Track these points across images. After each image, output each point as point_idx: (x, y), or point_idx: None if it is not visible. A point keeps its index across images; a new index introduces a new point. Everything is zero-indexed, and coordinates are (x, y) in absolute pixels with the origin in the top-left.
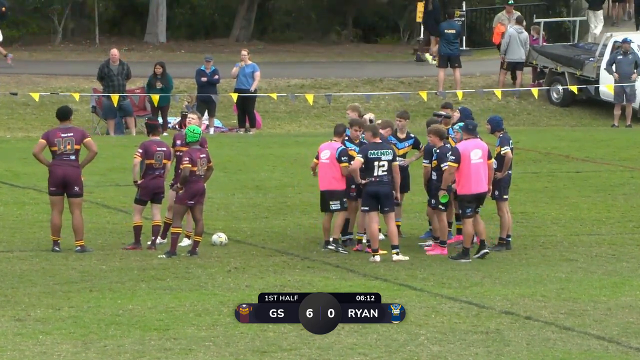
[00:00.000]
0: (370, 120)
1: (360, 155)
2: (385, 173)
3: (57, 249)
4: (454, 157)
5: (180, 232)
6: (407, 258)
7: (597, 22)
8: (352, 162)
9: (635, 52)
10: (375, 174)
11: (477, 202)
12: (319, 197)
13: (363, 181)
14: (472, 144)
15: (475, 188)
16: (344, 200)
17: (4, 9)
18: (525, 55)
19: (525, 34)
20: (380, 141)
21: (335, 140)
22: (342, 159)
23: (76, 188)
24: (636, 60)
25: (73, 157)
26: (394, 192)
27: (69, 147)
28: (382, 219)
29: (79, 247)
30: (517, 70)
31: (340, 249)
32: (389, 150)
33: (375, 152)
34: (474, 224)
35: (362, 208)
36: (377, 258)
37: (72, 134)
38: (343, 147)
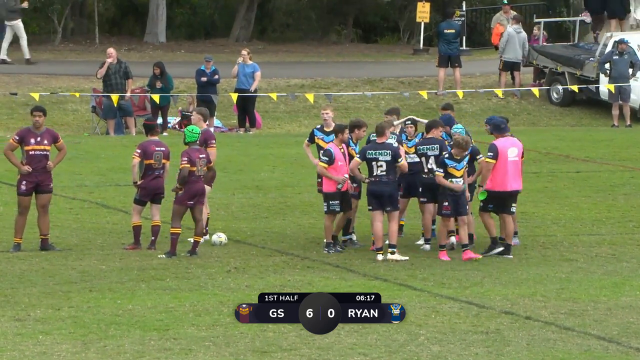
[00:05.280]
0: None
1: (359, 156)
2: (384, 173)
3: (47, 247)
4: (492, 154)
5: (179, 233)
6: (406, 258)
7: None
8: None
9: (634, 52)
10: (375, 173)
11: (511, 199)
12: (318, 198)
13: (366, 179)
14: (508, 142)
15: (511, 185)
16: (332, 202)
17: (25, 2)
18: (522, 56)
19: (524, 33)
20: (382, 141)
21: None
22: (322, 158)
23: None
24: (631, 60)
25: None
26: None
27: None
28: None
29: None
30: (514, 70)
31: (336, 248)
32: (387, 151)
33: (373, 152)
34: (505, 224)
35: (368, 208)
36: (379, 257)
37: None
38: (330, 147)
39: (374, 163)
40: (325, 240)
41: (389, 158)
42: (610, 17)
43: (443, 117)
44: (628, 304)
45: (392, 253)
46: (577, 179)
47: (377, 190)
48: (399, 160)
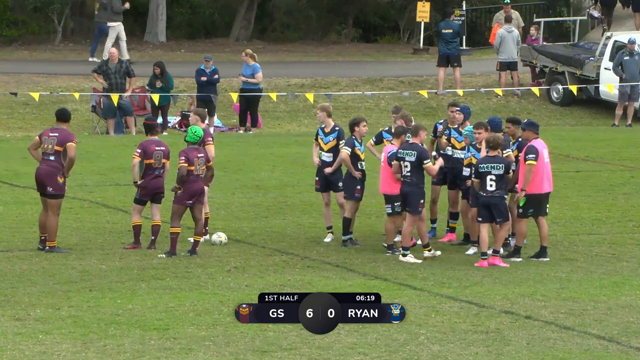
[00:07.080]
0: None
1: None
2: (409, 174)
3: (39, 246)
4: (533, 156)
5: (179, 232)
6: (418, 261)
7: None
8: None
9: (638, 51)
10: (403, 173)
11: (546, 201)
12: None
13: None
14: (541, 143)
15: (547, 187)
16: (397, 204)
17: (127, 4)
18: (516, 54)
19: (516, 32)
20: (413, 142)
21: (393, 144)
22: (392, 162)
23: (49, 189)
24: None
25: (52, 158)
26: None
27: (49, 146)
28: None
29: (47, 247)
30: (510, 69)
31: (396, 252)
32: (413, 152)
33: (403, 152)
34: (540, 227)
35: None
36: (408, 258)
37: (57, 135)
38: (394, 150)
39: (402, 163)
40: (387, 243)
41: (413, 159)
42: (635, 10)
43: (463, 107)
44: (628, 303)
45: (404, 255)
46: (577, 178)
47: (402, 191)
48: (425, 162)
